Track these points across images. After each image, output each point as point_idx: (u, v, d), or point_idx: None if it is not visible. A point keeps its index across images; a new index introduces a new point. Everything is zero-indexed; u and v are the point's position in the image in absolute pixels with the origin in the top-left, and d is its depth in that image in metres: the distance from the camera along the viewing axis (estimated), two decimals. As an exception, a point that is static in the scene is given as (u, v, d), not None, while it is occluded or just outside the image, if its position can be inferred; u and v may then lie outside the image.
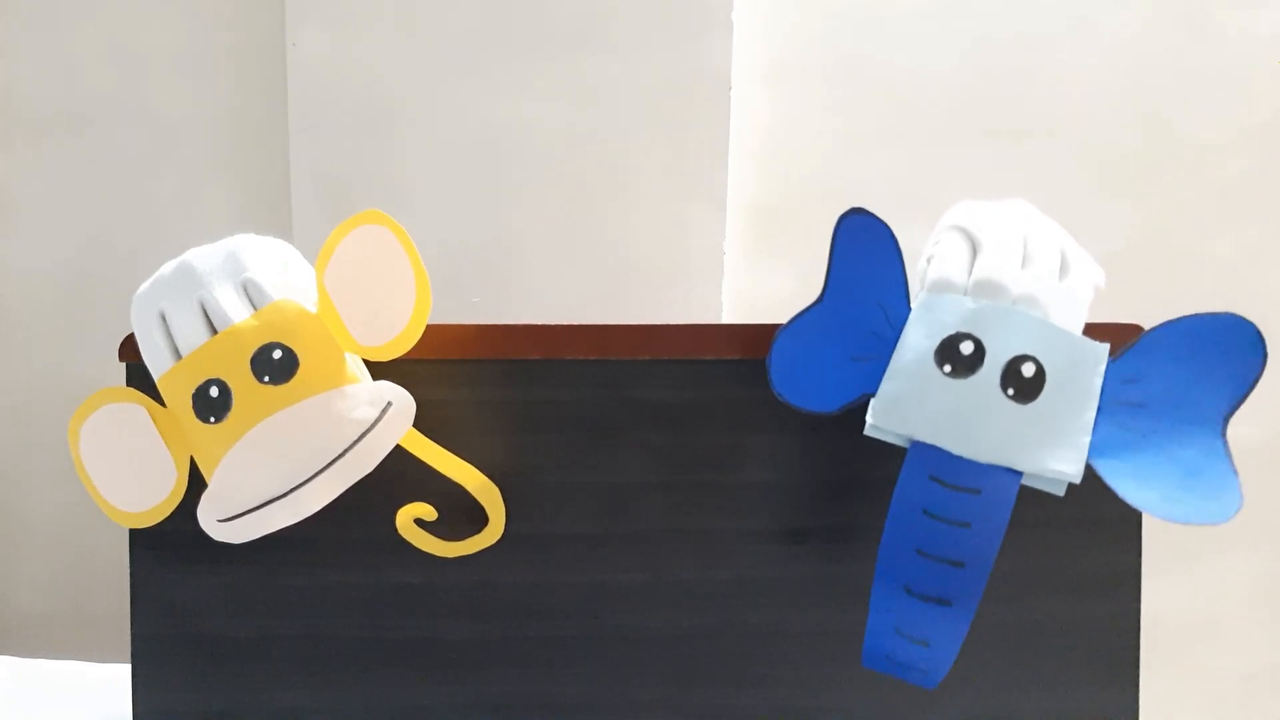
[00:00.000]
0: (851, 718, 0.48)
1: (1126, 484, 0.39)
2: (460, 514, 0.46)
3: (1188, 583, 0.81)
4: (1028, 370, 0.40)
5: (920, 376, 0.40)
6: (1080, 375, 0.40)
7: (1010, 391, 0.40)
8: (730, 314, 0.78)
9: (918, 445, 0.40)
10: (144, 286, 0.44)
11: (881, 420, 0.41)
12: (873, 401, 0.41)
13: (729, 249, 0.76)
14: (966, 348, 0.40)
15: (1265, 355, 0.39)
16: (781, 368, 0.42)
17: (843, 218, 0.42)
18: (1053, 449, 0.39)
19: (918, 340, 0.41)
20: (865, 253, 0.42)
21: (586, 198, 0.76)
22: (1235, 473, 0.39)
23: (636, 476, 0.47)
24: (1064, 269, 0.41)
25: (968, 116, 0.78)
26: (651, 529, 0.47)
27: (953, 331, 0.40)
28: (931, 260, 0.42)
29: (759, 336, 0.46)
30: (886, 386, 0.41)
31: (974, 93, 0.77)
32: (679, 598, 0.47)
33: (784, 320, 0.43)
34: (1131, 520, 0.47)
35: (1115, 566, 0.47)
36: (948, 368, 0.40)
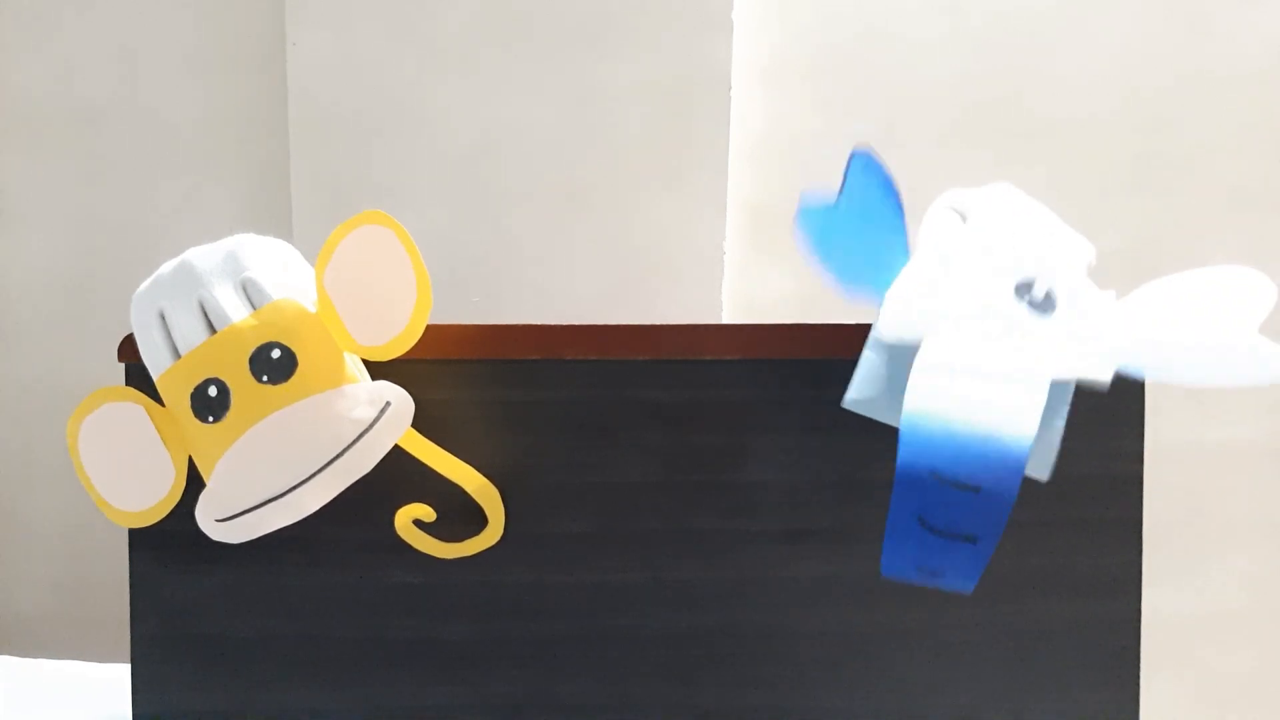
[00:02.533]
0: (851, 718, 0.48)
1: (1163, 370, 0.38)
2: (459, 515, 0.46)
3: (1188, 583, 0.81)
4: (1039, 290, 0.39)
5: (933, 277, 0.39)
6: (1090, 302, 0.40)
7: (1025, 300, 0.39)
8: (730, 314, 0.78)
9: (912, 438, 0.38)
10: (143, 286, 0.44)
11: (893, 327, 0.39)
12: (885, 304, 0.39)
13: (729, 249, 0.76)
14: (976, 266, 0.40)
15: (1276, 289, 0.39)
16: (815, 237, 0.41)
17: (855, 153, 0.41)
18: (1076, 354, 0.38)
19: (927, 258, 0.40)
20: (869, 191, 0.41)
21: (586, 198, 0.76)
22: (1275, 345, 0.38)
23: (636, 476, 0.47)
24: (1051, 237, 0.42)
25: (968, 116, 0.78)
26: (651, 529, 0.47)
27: (962, 256, 0.40)
28: (920, 236, 0.43)
29: (759, 336, 0.46)
30: (897, 285, 0.39)
31: (974, 93, 0.77)
32: (679, 598, 0.47)
33: (784, 320, 0.43)
34: (1132, 521, 0.47)
35: (1115, 567, 0.47)
36: (965, 269, 0.40)
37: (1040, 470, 0.39)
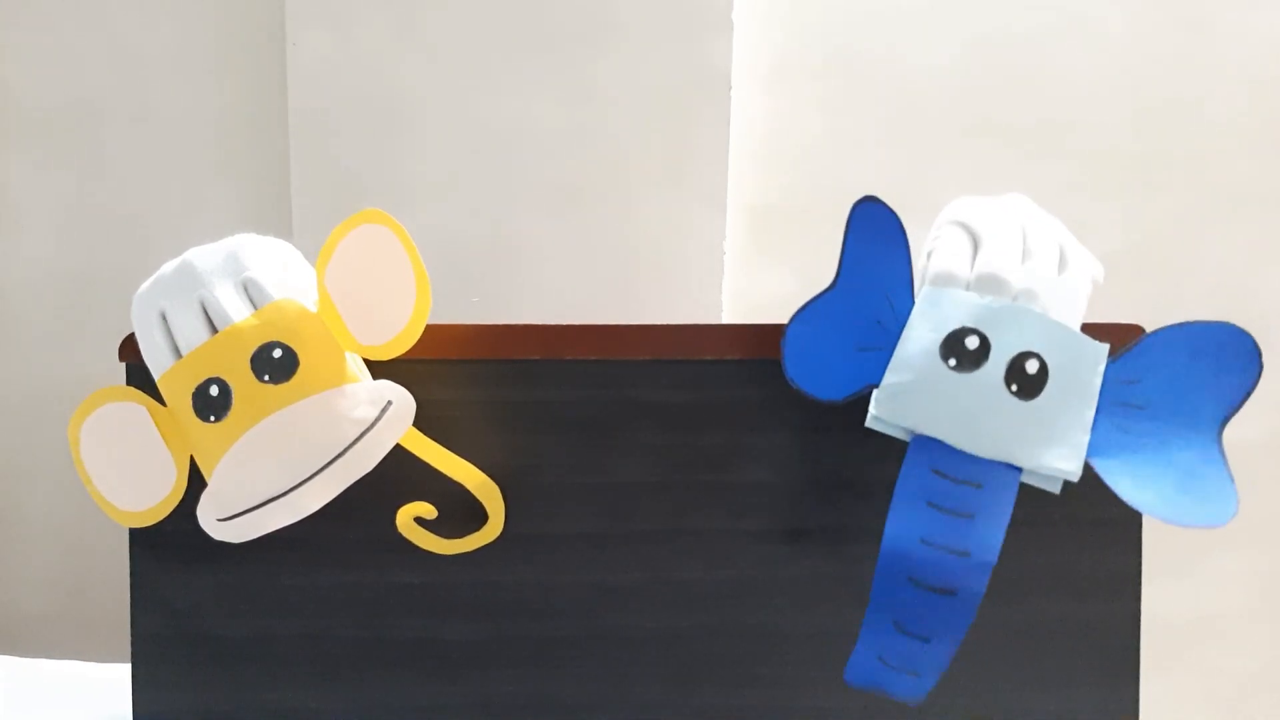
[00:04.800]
0: (850, 718, 0.48)
1: (1125, 484, 0.39)
2: (460, 513, 0.46)
3: (1188, 583, 0.81)
4: (1031, 367, 0.40)
5: (925, 370, 0.40)
6: (1081, 373, 0.40)
7: (1014, 388, 0.40)
8: (730, 314, 0.78)
9: (920, 438, 0.40)
10: (144, 286, 0.44)
11: (884, 412, 0.41)
12: (876, 393, 0.41)
13: (729, 249, 0.76)
14: (972, 342, 0.40)
15: (1261, 367, 0.39)
16: (795, 353, 0.42)
17: (857, 204, 0.42)
18: (1052, 446, 0.39)
19: (923, 333, 0.41)
20: (876, 242, 0.42)
21: (587, 198, 0.76)
22: (1232, 479, 0.39)
23: (636, 476, 0.47)
24: (1063, 263, 0.42)
25: (968, 116, 0.78)
26: (651, 529, 0.47)
27: (958, 326, 0.40)
28: (932, 255, 0.42)
29: (759, 336, 0.46)
30: (890, 378, 0.41)
31: (974, 93, 0.77)
32: (678, 598, 0.47)
33: (784, 319, 0.43)
34: (1132, 521, 0.47)
35: (1115, 567, 0.47)
36: (953, 361, 0.40)
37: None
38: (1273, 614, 0.82)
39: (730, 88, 0.74)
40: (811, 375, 0.42)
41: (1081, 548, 0.47)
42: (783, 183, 0.79)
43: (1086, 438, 0.40)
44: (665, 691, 0.48)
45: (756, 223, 0.79)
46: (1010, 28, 0.77)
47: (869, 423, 0.41)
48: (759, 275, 0.79)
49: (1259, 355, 0.39)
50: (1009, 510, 0.40)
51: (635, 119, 0.75)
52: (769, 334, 0.44)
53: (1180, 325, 0.40)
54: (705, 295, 0.76)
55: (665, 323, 0.46)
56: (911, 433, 0.41)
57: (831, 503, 0.47)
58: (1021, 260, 0.41)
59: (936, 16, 0.77)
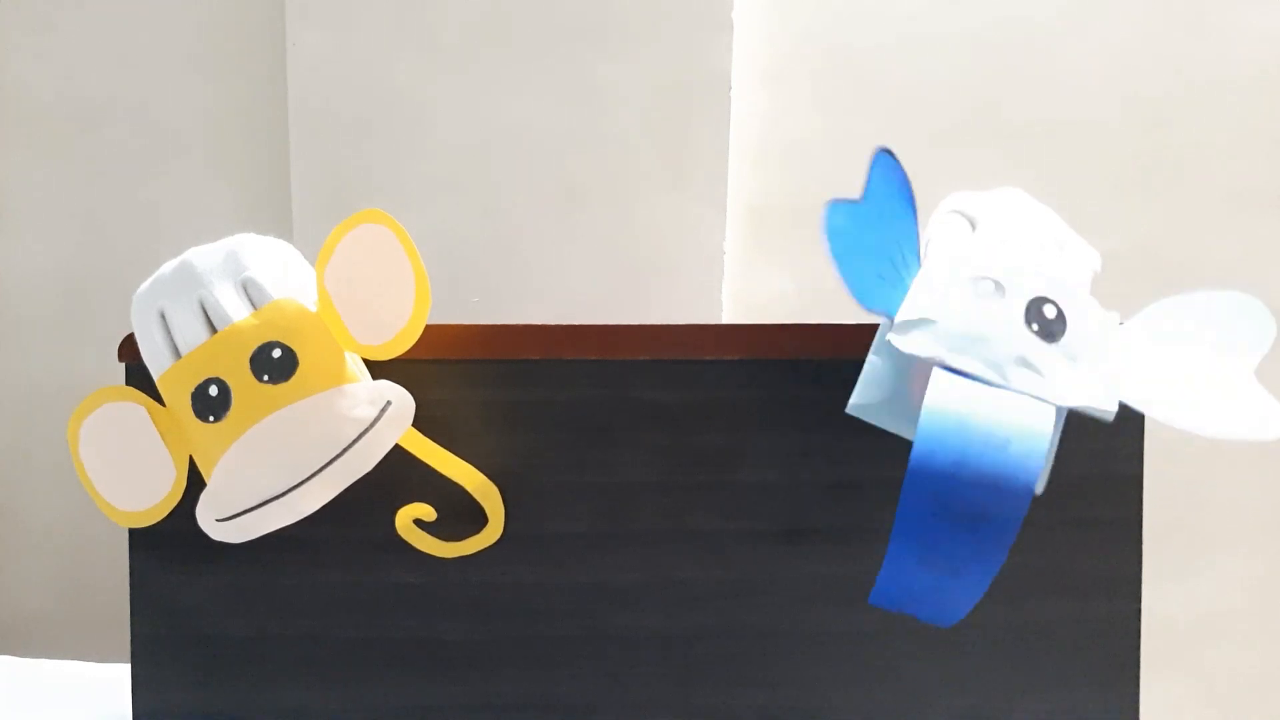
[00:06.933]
0: (851, 718, 0.48)
1: (1163, 408, 0.38)
2: (460, 514, 0.46)
3: (1188, 583, 0.81)
4: (1049, 311, 0.39)
5: (946, 299, 0.39)
6: (1096, 329, 0.39)
7: (1034, 328, 0.39)
8: (730, 314, 0.78)
9: (942, 371, 0.38)
10: (144, 286, 0.44)
11: (907, 339, 0.38)
12: (898, 316, 0.39)
13: (729, 249, 0.76)
14: (987, 286, 0.39)
15: (1276, 324, 0.39)
16: (840, 243, 0.40)
17: (879, 151, 0.41)
18: (1083, 385, 0.38)
19: (940, 271, 0.40)
20: (893, 190, 0.41)
21: (586, 198, 0.76)
22: (1273, 398, 0.38)
23: (636, 476, 0.47)
24: (1060, 250, 0.42)
25: (968, 117, 0.78)
26: (651, 529, 0.47)
27: (975, 273, 0.40)
28: (930, 242, 0.43)
29: (759, 336, 0.46)
30: (912, 302, 0.39)
31: (974, 93, 0.77)
32: (678, 598, 0.47)
33: (784, 319, 0.43)
34: (1132, 521, 0.47)
35: (1115, 567, 0.47)
36: (977, 288, 0.39)
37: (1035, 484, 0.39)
38: (1273, 614, 0.82)
39: (730, 88, 0.74)
40: (854, 269, 0.39)
41: (1081, 548, 0.47)
42: (783, 183, 0.79)
43: (1114, 379, 0.38)
44: (665, 691, 0.48)
45: (756, 223, 0.79)
46: (1009, 27, 0.77)
47: (851, 408, 0.40)
48: (759, 275, 0.79)
49: (1269, 315, 0.39)
50: (1050, 437, 0.36)
51: (635, 119, 0.75)
52: (769, 334, 0.44)
53: (1186, 293, 0.40)
54: (705, 295, 0.76)
55: (665, 323, 0.46)
56: (908, 422, 0.39)
57: (831, 503, 0.47)
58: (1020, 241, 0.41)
59: (936, 17, 0.77)
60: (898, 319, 0.39)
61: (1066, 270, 0.41)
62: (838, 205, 0.40)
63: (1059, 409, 0.38)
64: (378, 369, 0.44)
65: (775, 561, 0.47)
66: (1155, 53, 0.76)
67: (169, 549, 0.47)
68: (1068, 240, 0.42)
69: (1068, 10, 0.76)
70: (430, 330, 0.43)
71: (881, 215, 0.41)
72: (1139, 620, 0.47)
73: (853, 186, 0.41)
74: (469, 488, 0.45)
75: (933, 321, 0.39)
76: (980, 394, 0.37)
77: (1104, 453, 0.46)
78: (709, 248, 0.76)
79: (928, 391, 0.37)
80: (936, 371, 0.38)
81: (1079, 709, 0.47)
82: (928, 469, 0.36)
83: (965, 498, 0.35)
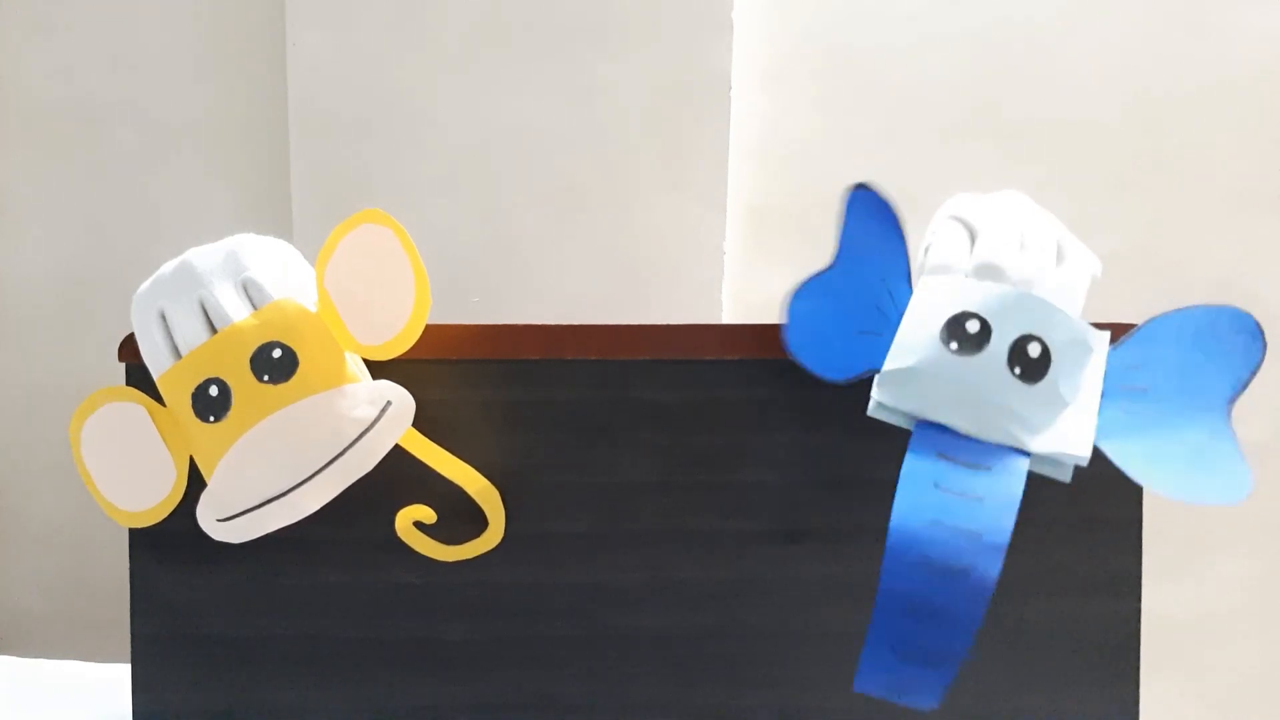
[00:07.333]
0: (851, 718, 0.48)
1: (1136, 465, 0.38)
2: (460, 516, 0.46)
3: (1188, 583, 0.81)
4: (1034, 350, 0.39)
5: (927, 354, 0.40)
6: (1084, 358, 0.40)
7: (1017, 371, 0.39)
8: (730, 314, 0.78)
9: (924, 424, 0.40)
10: (144, 286, 0.44)
11: (888, 397, 0.40)
12: (878, 377, 0.40)
13: (729, 249, 0.76)
14: (973, 326, 0.40)
15: (1264, 344, 0.39)
16: (798, 330, 0.42)
17: (853, 189, 0.42)
18: (1060, 430, 0.39)
19: (923, 318, 0.40)
20: (871, 227, 0.42)
21: (586, 198, 0.76)
22: (1243, 457, 0.38)
23: (636, 476, 0.47)
24: (1060, 257, 0.42)
25: (968, 116, 0.78)
26: (651, 529, 0.47)
27: (958, 310, 0.40)
28: (930, 249, 0.43)
29: (759, 336, 0.46)
30: (892, 362, 0.40)
31: (974, 93, 0.77)
32: (678, 598, 0.47)
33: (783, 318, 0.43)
34: (1132, 521, 0.47)
35: (1115, 567, 0.47)
36: (954, 345, 0.40)
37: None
38: (1273, 614, 0.82)
39: (730, 88, 0.74)
40: (815, 353, 0.42)
41: (1081, 548, 0.47)
42: (783, 183, 0.79)
43: (1094, 420, 0.39)
44: (665, 691, 0.48)
45: (756, 223, 0.79)
46: (1009, 27, 0.77)
47: (871, 410, 0.41)
48: (759, 275, 0.79)
49: (1261, 334, 0.39)
50: (1018, 495, 0.38)
51: (635, 119, 0.75)
52: (769, 334, 0.44)
53: (1180, 310, 0.40)
54: (705, 295, 0.76)
55: (665, 323, 0.46)
56: (915, 419, 0.40)
57: (831, 503, 0.47)
58: (1019, 251, 0.41)
59: (936, 16, 0.77)
60: (883, 369, 0.40)
61: (1059, 290, 0.41)
62: (801, 290, 0.42)
63: (1033, 456, 0.39)
64: (378, 369, 0.44)
65: (775, 561, 0.47)
66: (1155, 53, 0.76)
67: (169, 549, 0.47)
68: (1068, 247, 0.42)
69: (1068, 10, 0.76)
70: (430, 330, 0.43)
71: (859, 263, 0.42)
72: (1139, 620, 0.47)
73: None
74: (470, 491, 0.45)
75: (915, 372, 0.40)
76: (946, 504, 0.38)
77: (1104, 453, 0.46)
78: (709, 248, 0.76)
79: (898, 490, 0.38)
80: (914, 436, 0.40)
81: (1079, 709, 0.47)
82: (899, 570, 0.38)
83: (932, 601, 0.38)
